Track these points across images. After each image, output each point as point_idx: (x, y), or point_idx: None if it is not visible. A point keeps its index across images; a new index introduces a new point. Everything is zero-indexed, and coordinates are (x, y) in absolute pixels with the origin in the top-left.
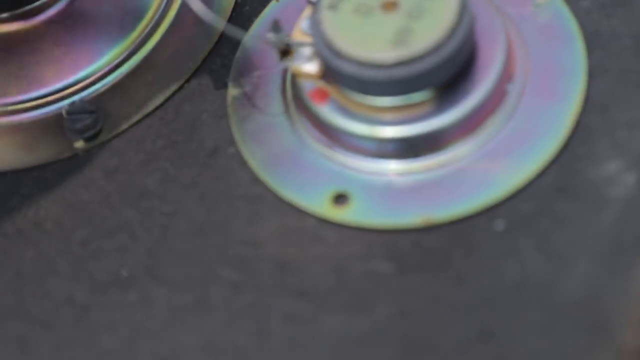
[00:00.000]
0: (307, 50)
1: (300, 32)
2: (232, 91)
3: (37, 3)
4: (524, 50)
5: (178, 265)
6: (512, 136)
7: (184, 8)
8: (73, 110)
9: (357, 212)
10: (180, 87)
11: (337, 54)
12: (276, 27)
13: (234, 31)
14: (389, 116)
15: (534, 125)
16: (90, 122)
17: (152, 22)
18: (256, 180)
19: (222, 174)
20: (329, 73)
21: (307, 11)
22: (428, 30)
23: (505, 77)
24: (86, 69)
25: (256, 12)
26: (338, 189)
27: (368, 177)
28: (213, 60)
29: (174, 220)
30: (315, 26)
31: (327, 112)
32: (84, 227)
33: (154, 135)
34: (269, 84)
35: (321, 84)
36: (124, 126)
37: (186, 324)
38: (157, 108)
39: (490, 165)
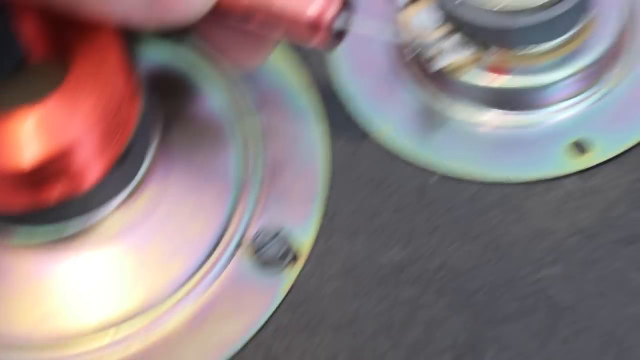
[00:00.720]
0: (447, 45)
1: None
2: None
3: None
4: None
5: None
6: None
7: None
8: (259, 241)
9: (604, 147)
10: None
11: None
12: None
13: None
14: (570, 51)
15: None
16: (281, 244)
17: None
18: (492, 186)
19: (450, 205)
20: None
21: (410, 12)
22: None
23: None
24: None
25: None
26: (574, 139)
27: (584, 113)
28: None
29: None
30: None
31: (516, 80)
32: None
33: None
34: (404, 101)
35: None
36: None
37: None
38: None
39: None
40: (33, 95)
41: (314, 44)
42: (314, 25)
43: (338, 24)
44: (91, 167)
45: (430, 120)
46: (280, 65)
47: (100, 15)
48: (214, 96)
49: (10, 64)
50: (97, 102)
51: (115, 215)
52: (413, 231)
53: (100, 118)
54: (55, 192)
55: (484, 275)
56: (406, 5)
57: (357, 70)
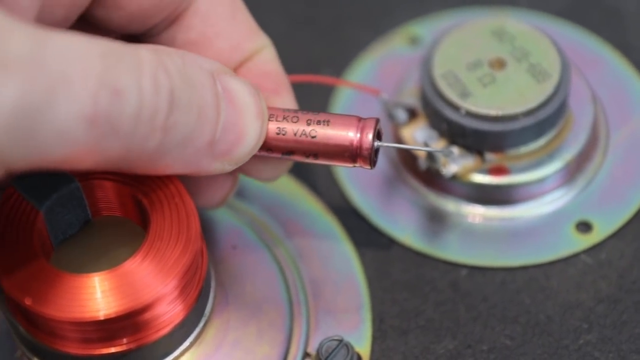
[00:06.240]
0: (454, 152)
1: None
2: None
3: None
4: None
5: None
6: None
7: None
8: (325, 350)
9: (604, 225)
10: None
11: (507, 121)
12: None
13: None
14: (558, 145)
15: None
16: (346, 352)
17: None
18: (516, 271)
19: (484, 293)
20: (491, 149)
21: (410, 129)
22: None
23: None
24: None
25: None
26: (577, 221)
27: (579, 197)
28: None
29: None
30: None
31: (515, 177)
32: None
33: None
34: (417, 206)
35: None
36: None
37: None
38: None
39: None
40: (100, 246)
41: (358, 166)
42: (357, 152)
43: (377, 144)
44: (168, 317)
45: (445, 222)
46: (294, 196)
47: (172, 171)
48: (245, 229)
49: (78, 224)
50: (179, 258)
51: (190, 350)
52: (457, 322)
53: (181, 273)
54: (127, 342)
55: (531, 351)
56: (405, 123)
57: (366, 186)
